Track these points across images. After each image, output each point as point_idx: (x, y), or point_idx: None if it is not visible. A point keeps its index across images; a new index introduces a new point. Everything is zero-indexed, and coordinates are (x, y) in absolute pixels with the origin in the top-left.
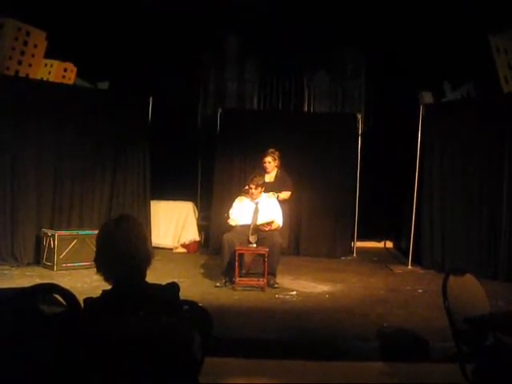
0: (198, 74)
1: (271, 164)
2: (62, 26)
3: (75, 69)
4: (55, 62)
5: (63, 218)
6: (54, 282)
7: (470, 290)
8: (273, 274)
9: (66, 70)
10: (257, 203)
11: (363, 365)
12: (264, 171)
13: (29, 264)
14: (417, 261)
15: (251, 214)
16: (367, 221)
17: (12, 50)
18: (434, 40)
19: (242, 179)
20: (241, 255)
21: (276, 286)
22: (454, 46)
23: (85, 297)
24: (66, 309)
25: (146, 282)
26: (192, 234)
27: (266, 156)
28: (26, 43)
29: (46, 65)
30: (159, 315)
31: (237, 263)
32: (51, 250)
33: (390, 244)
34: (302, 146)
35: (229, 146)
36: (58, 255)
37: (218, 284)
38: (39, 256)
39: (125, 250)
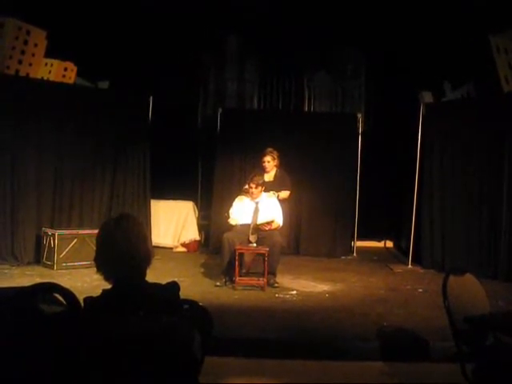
0: (198, 74)
1: (270, 163)
2: (63, 25)
3: (75, 68)
4: (55, 62)
5: (63, 218)
6: (54, 281)
7: (470, 289)
8: (273, 273)
9: (66, 69)
10: (257, 203)
11: (363, 365)
12: (263, 171)
13: (29, 263)
14: (417, 260)
15: (251, 214)
16: (367, 220)
17: (12, 49)
18: (434, 40)
19: (242, 179)
20: (241, 255)
21: (276, 285)
22: (454, 46)
23: (85, 296)
24: (66, 308)
25: (146, 282)
26: (192, 234)
27: (264, 155)
28: (26, 42)
29: (46, 64)
30: (159, 315)
31: (237, 262)
32: (51, 250)
33: (390, 244)
34: (302, 146)
35: (229, 146)
36: (58, 254)
37: (218, 283)
38: (39, 255)
39: (125, 249)
